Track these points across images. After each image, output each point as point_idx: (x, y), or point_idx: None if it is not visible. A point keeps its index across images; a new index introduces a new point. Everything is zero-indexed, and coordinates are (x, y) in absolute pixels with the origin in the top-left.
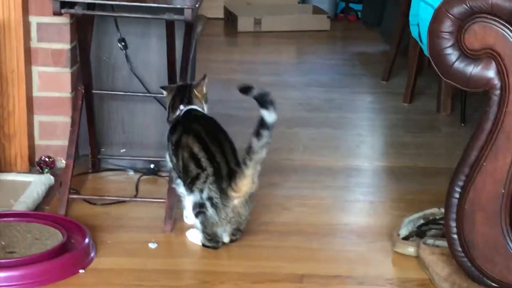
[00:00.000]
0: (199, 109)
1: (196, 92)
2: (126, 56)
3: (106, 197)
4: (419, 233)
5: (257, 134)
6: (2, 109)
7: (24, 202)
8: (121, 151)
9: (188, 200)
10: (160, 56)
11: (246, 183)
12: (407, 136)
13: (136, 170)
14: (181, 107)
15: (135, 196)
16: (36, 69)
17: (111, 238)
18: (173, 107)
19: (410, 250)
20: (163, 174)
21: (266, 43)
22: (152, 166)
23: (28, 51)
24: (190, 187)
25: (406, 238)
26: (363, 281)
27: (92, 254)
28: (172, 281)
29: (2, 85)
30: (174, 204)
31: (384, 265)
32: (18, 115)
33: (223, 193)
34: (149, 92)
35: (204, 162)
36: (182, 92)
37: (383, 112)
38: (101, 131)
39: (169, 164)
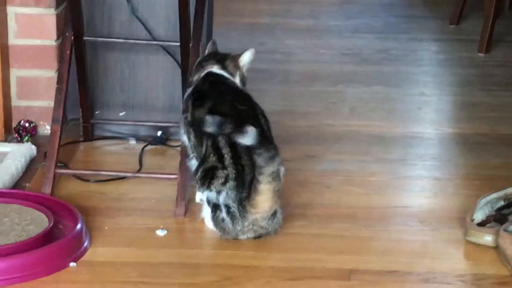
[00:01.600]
0: (233, 78)
1: (230, 62)
2: None
3: (102, 172)
4: (498, 218)
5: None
6: None
7: None
8: (120, 114)
9: (202, 193)
10: None
11: (264, 199)
12: (483, 95)
13: (139, 139)
14: (211, 67)
15: (139, 171)
16: (12, 10)
17: (109, 223)
18: (200, 64)
19: (487, 239)
20: (174, 143)
21: None
22: (159, 133)
23: None
24: (206, 182)
25: (482, 224)
26: (427, 278)
27: (86, 244)
28: (185, 278)
29: None
30: (188, 181)
31: (454, 258)
32: None
33: (241, 205)
34: (155, 40)
35: (227, 160)
36: (216, 54)
37: (452, 65)
38: (94, 90)
39: (183, 138)
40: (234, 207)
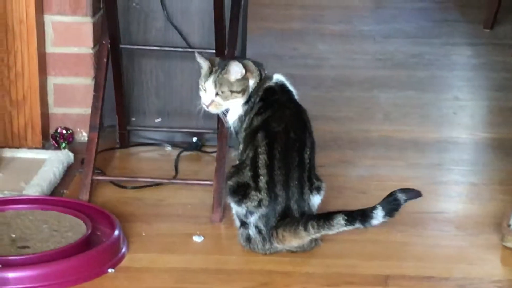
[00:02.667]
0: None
1: None
2: (161, 2)
3: (138, 179)
4: None
5: (350, 221)
6: (8, 69)
7: (37, 185)
8: (156, 121)
9: (229, 203)
10: (203, 1)
11: (296, 241)
12: None
13: (174, 145)
14: (275, 76)
15: (175, 178)
16: (49, 19)
17: (146, 229)
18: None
19: None
20: (209, 149)
21: None
22: (194, 139)
23: None
24: (236, 197)
25: None
26: (463, 284)
27: (123, 250)
28: (222, 284)
29: (7, 39)
30: (223, 188)
31: (491, 264)
32: (28, 76)
33: (270, 232)
34: (190, 47)
35: (263, 184)
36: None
37: (487, 69)
38: (130, 97)
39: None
40: (264, 231)
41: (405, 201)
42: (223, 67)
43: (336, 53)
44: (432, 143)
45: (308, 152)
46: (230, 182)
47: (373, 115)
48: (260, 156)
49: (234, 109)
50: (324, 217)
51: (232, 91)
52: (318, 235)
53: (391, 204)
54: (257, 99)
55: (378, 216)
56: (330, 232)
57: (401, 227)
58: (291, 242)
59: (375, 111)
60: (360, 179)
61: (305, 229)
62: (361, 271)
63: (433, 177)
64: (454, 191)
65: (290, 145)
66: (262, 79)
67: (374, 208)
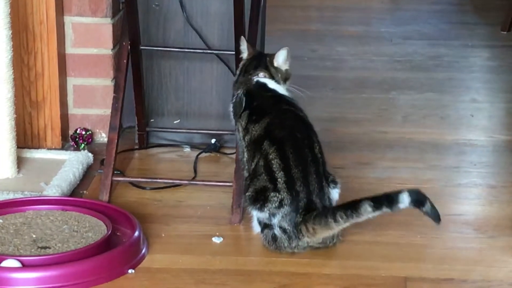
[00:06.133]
0: (277, 87)
1: (270, 64)
2: (181, 3)
3: (157, 180)
4: None
5: (377, 207)
6: (28, 70)
7: (57, 186)
8: (175, 122)
9: (250, 211)
10: (223, 3)
11: (326, 233)
12: None
13: (193, 146)
14: (260, 75)
15: (194, 179)
16: (69, 20)
17: (165, 230)
18: (246, 69)
19: None
20: (228, 151)
21: None
22: (213, 141)
23: None
24: (257, 204)
25: None
26: (482, 286)
27: (143, 251)
28: (241, 285)
29: (28, 40)
30: (242, 189)
31: (510, 266)
32: (48, 77)
33: (296, 228)
34: (209, 48)
35: (281, 184)
36: (260, 58)
37: (505, 72)
38: (149, 98)
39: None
40: (289, 230)
41: (426, 207)
42: None
43: (354, 54)
44: (450, 145)
45: (317, 147)
46: (248, 193)
47: (392, 117)
48: (273, 162)
49: None
50: (351, 207)
51: None
52: (348, 224)
53: (418, 195)
54: (242, 102)
55: (405, 200)
56: (360, 220)
57: (420, 229)
58: (322, 234)
59: (393, 113)
60: (379, 181)
61: (335, 220)
62: (381, 273)
63: (451, 179)
64: (473, 193)
65: (300, 144)
66: (245, 80)
67: (399, 191)
